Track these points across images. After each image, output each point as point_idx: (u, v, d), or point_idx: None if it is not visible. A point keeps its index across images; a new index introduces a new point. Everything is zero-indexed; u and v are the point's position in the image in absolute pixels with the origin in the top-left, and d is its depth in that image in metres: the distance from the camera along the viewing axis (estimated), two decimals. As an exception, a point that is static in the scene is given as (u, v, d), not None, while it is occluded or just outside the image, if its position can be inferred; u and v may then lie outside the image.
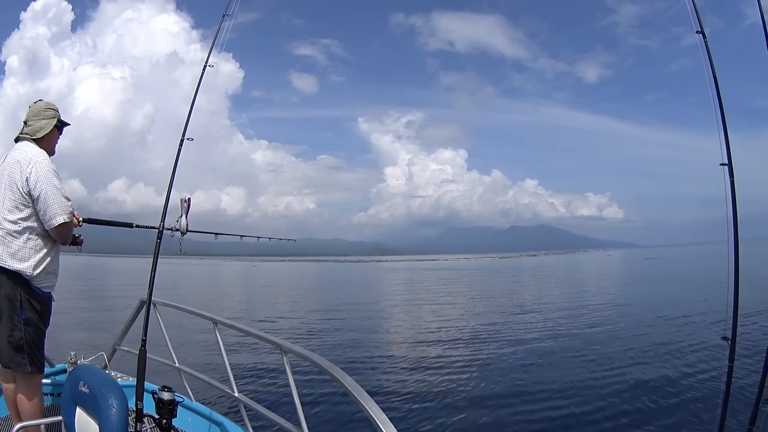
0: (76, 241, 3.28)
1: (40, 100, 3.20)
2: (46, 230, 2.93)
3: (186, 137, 3.70)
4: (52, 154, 3.13)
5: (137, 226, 3.55)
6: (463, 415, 8.35)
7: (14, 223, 2.83)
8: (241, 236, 5.05)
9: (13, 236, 2.83)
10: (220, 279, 62.77)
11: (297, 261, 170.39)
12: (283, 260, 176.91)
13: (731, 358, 3.91)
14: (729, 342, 3.94)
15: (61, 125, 3.22)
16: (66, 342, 11.23)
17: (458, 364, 12.16)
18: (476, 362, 12.26)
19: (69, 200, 2.90)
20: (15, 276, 2.81)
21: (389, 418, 2.03)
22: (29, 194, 2.82)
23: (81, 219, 3.20)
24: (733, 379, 3.89)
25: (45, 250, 2.92)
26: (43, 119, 3.08)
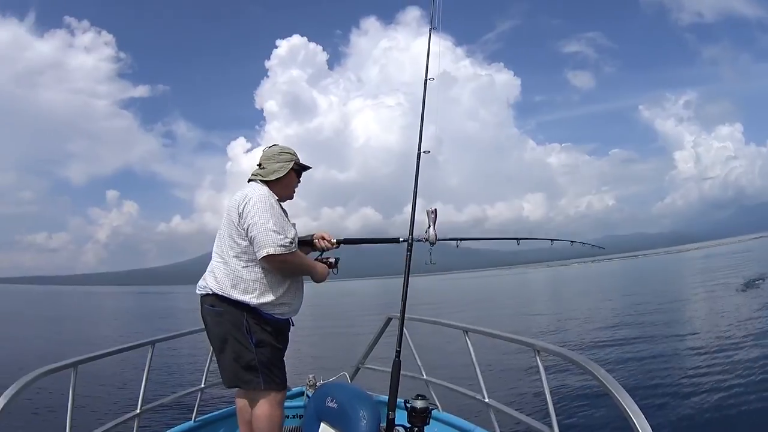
0: (328, 264, 3.24)
1: (275, 144, 3.25)
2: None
3: (423, 151, 3.67)
4: (289, 198, 3.23)
5: (382, 241, 3.55)
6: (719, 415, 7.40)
7: (236, 256, 2.92)
8: (519, 240, 4.33)
9: (234, 268, 2.91)
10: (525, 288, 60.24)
11: (599, 261, 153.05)
12: (589, 261, 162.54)
13: None
14: None
15: (299, 169, 3.24)
16: (303, 366, 10.74)
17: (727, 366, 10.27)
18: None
19: (280, 234, 2.84)
20: (240, 305, 2.88)
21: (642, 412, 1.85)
22: (244, 228, 2.89)
23: (335, 241, 3.31)
24: None
25: (269, 281, 2.94)
26: (277, 162, 3.13)
